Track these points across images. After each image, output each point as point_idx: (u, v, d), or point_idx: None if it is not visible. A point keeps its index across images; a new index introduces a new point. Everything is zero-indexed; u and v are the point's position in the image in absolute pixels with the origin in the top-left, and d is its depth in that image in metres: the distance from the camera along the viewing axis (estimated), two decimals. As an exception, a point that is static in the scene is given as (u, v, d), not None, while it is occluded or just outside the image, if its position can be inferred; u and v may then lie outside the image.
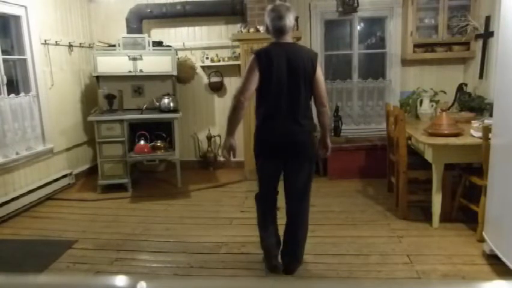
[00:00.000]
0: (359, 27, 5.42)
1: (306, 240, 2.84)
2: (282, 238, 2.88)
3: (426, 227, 3.51)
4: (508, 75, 2.59)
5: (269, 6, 2.66)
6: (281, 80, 2.59)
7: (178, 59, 5.34)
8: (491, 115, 3.28)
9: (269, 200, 2.83)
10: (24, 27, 4.39)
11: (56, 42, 4.81)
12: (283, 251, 2.86)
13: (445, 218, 3.54)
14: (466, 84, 4.86)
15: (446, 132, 3.37)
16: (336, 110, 5.26)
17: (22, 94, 4.33)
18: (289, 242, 2.83)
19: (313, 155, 2.80)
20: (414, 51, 5.02)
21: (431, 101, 4.43)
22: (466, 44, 4.90)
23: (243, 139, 5.14)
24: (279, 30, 2.61)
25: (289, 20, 2.60)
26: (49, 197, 4.53)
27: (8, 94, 4.11)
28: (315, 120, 2.83)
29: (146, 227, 3.75)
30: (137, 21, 5.30)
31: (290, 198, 2.76)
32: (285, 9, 2.60)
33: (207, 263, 3.04)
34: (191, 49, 5.55)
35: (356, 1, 5.09)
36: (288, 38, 2.67)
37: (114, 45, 4.98)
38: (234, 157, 2.78)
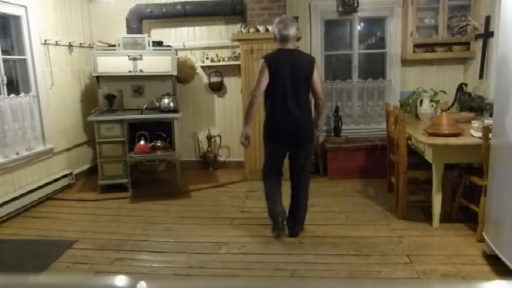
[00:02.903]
0: (359, 27, 5.42)
1: (307, 208, 3.48)
2: (287, 211, 3.45)
3: (426, 227, 3.51)
4: (508, 75, 2.59)
5: (277, 19, 3.28)
6: (285, 79, 3.18)
7: (178, 59, 5.34)
8: (491, 115, 3.29)
9: (274, 177, 3.41)
10: (24, 27, 4.39)
11: (56, 42, 4.81)
12: (289, 217, 3.41)
13: (445, 218, 3.54)
14: (466, 84, 4.86)
15: (446, 132, 3.37)
16: (336, 110, 5.26)
17: (22, 94, 4.33)
18: (293, 208, 3.42)
19: (313, 138, 3.42)
20: (414, 51, 5.02)
21: (431, 101, 4.43)
22: (466, 44, 4.90)
23: (243, 139, 5.14)
24: (284, 38, 3.20)
25: (293, 30, 3.21)
26: (49, 197, 4.53)
27: (8, 94, 4.11)
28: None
29: (146, 227, 3.75)
30: (137, 21, 5.30)
31: (294, 172, 3.38)
32: (290, 21, 3.24)
33: (207, 263, 3.04)
34: (191, 49, 5.55)
35: (356, 1, 5.09)
36: (291, 45, 3.26)
37: (114, 45, 4.98)
38: (249, 144, 3.42)
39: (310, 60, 3.28)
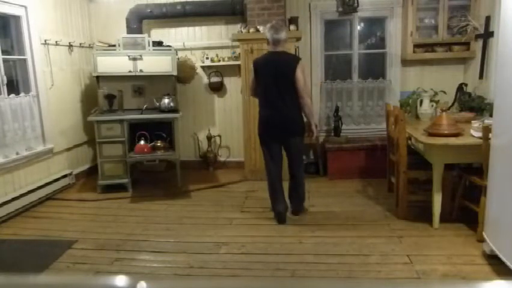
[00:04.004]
0: (359, 27, 5.41)
1: (305, 191, 3.87)
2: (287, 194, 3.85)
3: (426, 227, 3.51)
4: (508, 75, 2.59)
5: (268, 24, 3.64)
6: (270, 79, 3.53)
7: (178, 59, 5.34)
8: (491, 115, 3.29)
9: (274, 168, 3.71)
10: (24, 27, 4.39)
11: (56, 42, 4.81)
12: (290, 198, 3.85)
13: (445, 218, 3.54)
14: (466, 84, 4.86)
15: (446, 132, 3.37)
16: (336, 110, 5.26)
17: (22, 94, 4.33)
18: (293, 192, 3.84)
19: (300, 131, 3.65)
20: (414, 51, 5.02)
21: (431, 101, 4.43)
22: (466, 44, 4.90)
23: (243, 140, 5.15)
24: (276, 41, 3.54)
25: (283, 34, 3.57)
26: (49, 197, 4.53)
27: (8, 94, 4.11)
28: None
29: (146, 227, 3.75)
30: (137, 21, 5.30)
31: (290, 162, 3.74)
32: (280, 26, 3.61)
33: (207, 263, 3.04)
34: (191, 49, 5.55)
35: (356, 1, 5.09)
36: (281, 48, 3.58)
37: (114, 45, 4.98)
38: None
39: (294, 60, 3.58)
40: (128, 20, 5.26)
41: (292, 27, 4.88)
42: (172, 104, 4.91)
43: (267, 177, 3.78)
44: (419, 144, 3.67)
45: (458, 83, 4.90)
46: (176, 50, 5.25)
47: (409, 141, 3.88)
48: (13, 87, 4.36)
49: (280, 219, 3.71)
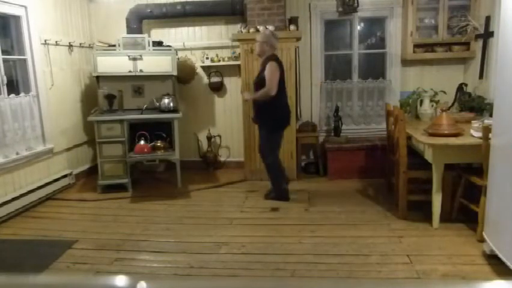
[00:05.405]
0: (359, 27, 5.41)
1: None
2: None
3: (426, 227, 3.51)
4: (508, 75, 2.59)
5: (269, 32, 4.22)
6: (284, 78, 4.13)
7: (178, 59, 5.34)
8: (491, 115, 3.29)
9: (278, 153, 4.32)
10: (24, 27, 4.39)
11: (56, 42, 4.81)
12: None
13: (445, 218, 3.54)
14: (466, 84, 4.86)
15: (446, 132, 3.37)
16: (336, 110, 5.26)
17: (22, 94, 4.33)
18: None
19: None
20: (414, 51, 5.02)
21: (431, 101, 4.44)
22: (466, 44, 4.90)
23: (244, 141, 5.14)
24: (277, 47, 4.21)
25: None
26: (49, 197, 4.53)
27: (8, 94, 4.11)
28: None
29: (146, 227, 3.75)
30: (137, 21, 5.30)
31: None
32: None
33: (207, 263, 3.04)
34: (191, 49, 5.55)
35: (356, 1, 5.09)
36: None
37: (114, 45, 4.98)
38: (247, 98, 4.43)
39: None
40: (128, 20, 5.26)
41: (292, 27, 4.88)
42: (172, 104, 4.91)
43: (279, 166, 4.31)
44: (419, 144, 3.67)
45: (458, 83, 4.90)
46: (176, 50, 5.25)
47: (409, 141, 3.88)
48: (13, 87, 4.36)
49: (287, 195, 4.30)
